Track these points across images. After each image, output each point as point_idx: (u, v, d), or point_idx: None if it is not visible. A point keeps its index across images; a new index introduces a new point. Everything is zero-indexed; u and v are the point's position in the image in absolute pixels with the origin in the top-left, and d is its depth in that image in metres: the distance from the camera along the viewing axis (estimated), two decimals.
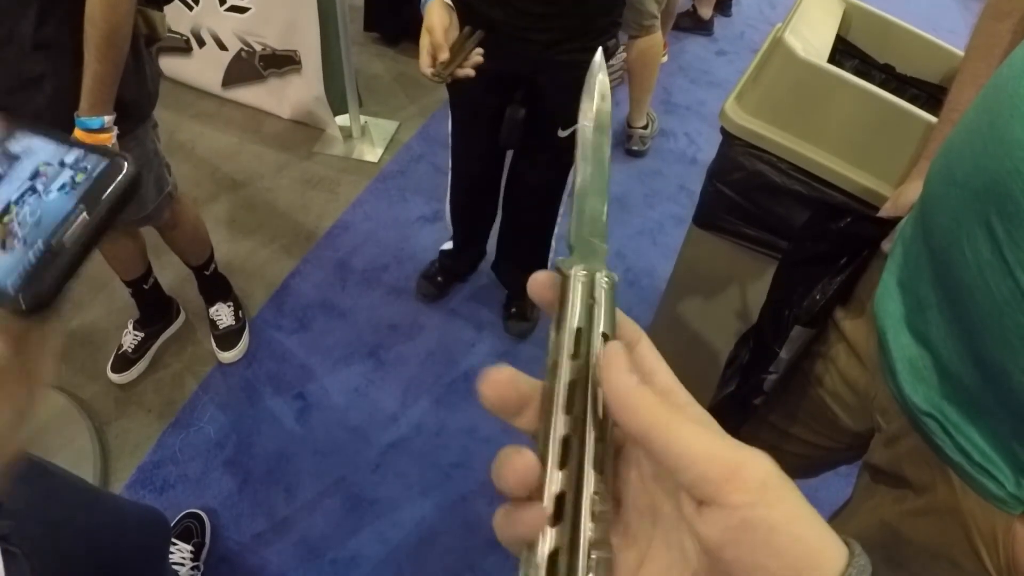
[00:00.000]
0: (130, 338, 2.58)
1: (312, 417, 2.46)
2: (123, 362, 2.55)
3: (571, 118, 2.05)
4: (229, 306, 2.71)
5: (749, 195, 1.80)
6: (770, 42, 1.87)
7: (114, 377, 2.54)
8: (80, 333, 2.66)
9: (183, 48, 3.56)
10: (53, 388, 2.44)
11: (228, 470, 2.32)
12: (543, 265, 2.64)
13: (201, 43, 3.53)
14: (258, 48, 3.41)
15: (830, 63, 1.70)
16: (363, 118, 3.60)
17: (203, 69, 3.63)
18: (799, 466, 1.59)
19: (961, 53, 1.80)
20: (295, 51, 3.33)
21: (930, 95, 1.87)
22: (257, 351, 2.65)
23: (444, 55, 1.67)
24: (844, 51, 1.98)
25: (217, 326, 2.67)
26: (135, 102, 1.84)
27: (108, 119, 1.65)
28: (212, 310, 2.69)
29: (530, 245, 2.60)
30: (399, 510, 2.25)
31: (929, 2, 5.90)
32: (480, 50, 1.72)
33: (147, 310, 2.61)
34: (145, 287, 2.52)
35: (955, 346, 0.91)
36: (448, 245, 2.79)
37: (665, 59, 4.31)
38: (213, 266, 2.65)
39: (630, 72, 3.53)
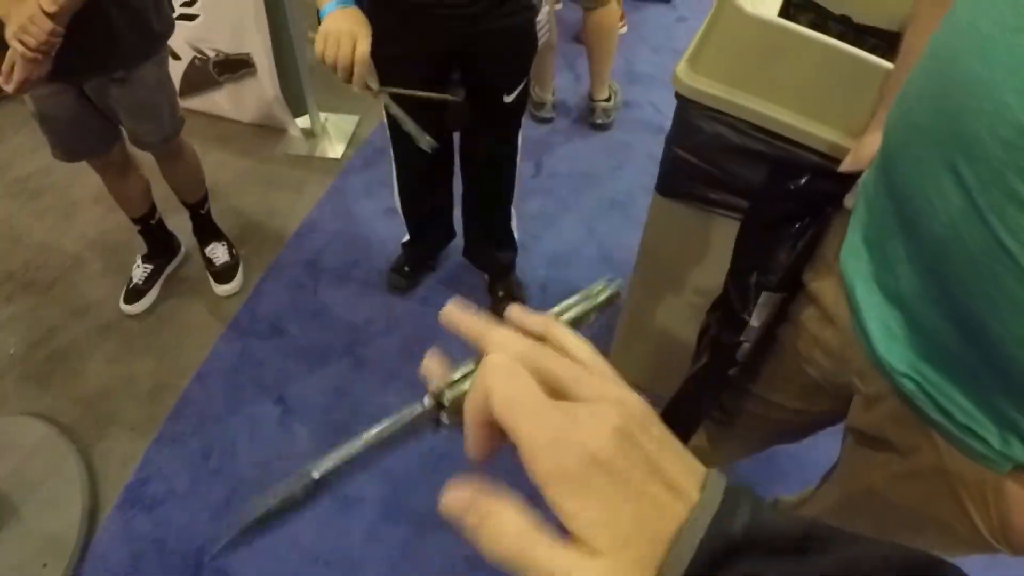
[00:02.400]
0: (140, 271, 2.82)
1: (294, 421, 2.44)
2: (135, 294, 2.79)
3: (512, 82, 2.05)
4: (223, 244, 2.91)
5: (710, 158, 1.77)
6: (718, 1, 1.84)
7: (127, 308, 2.78)
8: (57, 359, 2.64)
9: None
10: (34, 417, 2.43)
11: (216, 480, 2.30)
12: (510, 236, 2.63)
13: None
14: (211, 55, 3.37)
15: (784, 17, 1.68)
16: (323, 115, 3.58)
17: None
18: (785, 431, 1.58)
19: None
20: (248, 54, 3.30)
21: (890, 44, 1.84)
22: (234, 359, 2.62)
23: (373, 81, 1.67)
24: (799, 5, 1.96)
25: (213, 263, 2.87)
26: (162, 33, 2.16)
27: None
28: (208, 249, 2.89)
29: (498, 218, 2.58)
30: (390, 507, 2.24)
31: None
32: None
33: (154, 245, 2.84)
34: (152, 223, 2.76)
35: (929, 302, 0.88)
36: (407, 237, 2.77)
37: (624, 30, 4.28)
38: (207, 206, 2.85)
39: (587, 45, 3.51)
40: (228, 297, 2.84)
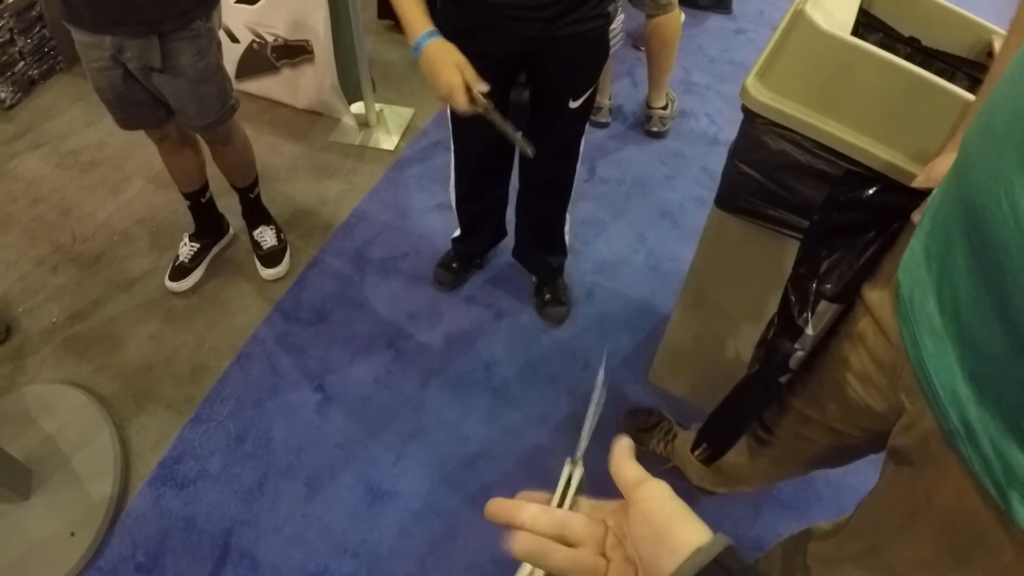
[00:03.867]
0: (186, 249, 2.84)
1: (332, 409, 2.44)
2: (180, 272, 2.82)
3: (580, 88, 2.03)
4: (272, 228, 2.93)
5: (772, 175, 1.75)
6: (791, 15, 1.81)
7: (172, 285, 2.80)
8: (99, 330, 2.66)
9: None
10: (72, 386, 2.44)
11: (249, 464, 2.30)
12: (562, 240, 2.63)
13: None
14: (270, 39, 3.38)
15: (853, 36, 1.65)
16: (378, 106, 3.57)
17: None
18: (823, 455, 1.55)
19: (988, 24, 1.76)
20: (307, 41, 3.30)
21: (956, 68, 1.81)
22: (276, 343, 2.62)
23: (483, 86, 1.74)
24: (867, 24, 1.92)
25: (261, 246, 2.88)
26: (190, 6, 2.07)
27: None
28: (256, 232, 2.91)
29: (552, 222, 2.56)
30: (421, 502, 2.23)
31: None
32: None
33: (202, 223, 2.86)
34: (202, 200, 2.77)
35: (983, 311, 0.87)
36: (457, 232, 2.75)
37: (682, 17, 4.24)
38: (257, 190, 2.85)
39: (648, 52, 3.48)
40: (273, 281, 2.84)
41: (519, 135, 1.81)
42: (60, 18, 2.05)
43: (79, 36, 2.07)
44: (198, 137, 2.54)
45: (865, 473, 1.38)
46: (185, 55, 2.10)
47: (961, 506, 1.01)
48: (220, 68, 2.27)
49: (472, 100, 1.76)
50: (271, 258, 2.85)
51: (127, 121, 2.31)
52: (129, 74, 2.13)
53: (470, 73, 1.73)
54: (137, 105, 2.24)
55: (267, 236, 2.88)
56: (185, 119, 2.30)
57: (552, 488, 0.71)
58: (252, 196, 2.83)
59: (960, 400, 0.92)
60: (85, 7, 1.96)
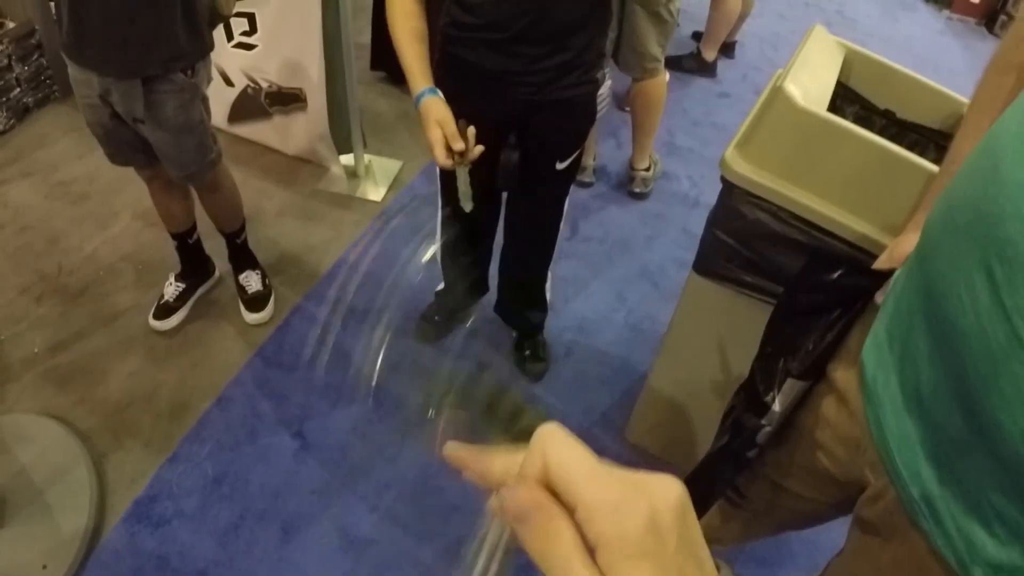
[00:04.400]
0: (172, 289, 2.84)
1: (309, 456, 2.45)
2: (165, 311, 2.82)
3: (566, 150, 2.09)
4: (257, 273, 2.94)
5: (749, 243, 1.80)
6: (770, 90, 1.87)
7: (156, 324, 2.80)
8: (80, 363, 2.66)
9: None
10: (51, 418, 2.45)
11: (225, 507, 2.30)
12: (543, 298, 2.67)
13: None
14: (264, 85, 3.43)
15: (831, 109, 1.71)
16: (367, 157, 3.62)
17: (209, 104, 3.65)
18: (795, 518, 1.58)
19: (961, 98, 1.81)
20: (300, 89, 3.36)
21: (930, 140, 1.87)
22: (257, 387, 2.64)
23: (460, 145, 1.79)
24: (845, 96, 1.99)
25: (246, 291, 2.90)
26: (189, 52, 2.12)
27: None
28: (241, 276, 2.92)
29: (534, 280, 2.61)
30: (396, 551, 2.24)
31: (931, 43, 5.95)
32: (480, 148, 1.83)
33: (188, 264, 2.87)
34: (189, 241, 2.79)
35: (945, 396, 0.90)
36: (441, 286, 2.80)
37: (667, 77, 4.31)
38: (244, 236, 2.87)
39: (632, 114, 3.56)
40: (257, 326, 2.86)
41: (467, 192, 1.91)
42: (60, 48, 2.10)
43: (72, 71, 2.11)
44: None
45: (839, 531, 1.41)
46: (168, 106, 2.14)
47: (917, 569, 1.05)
48: (202, 123, 2.31)
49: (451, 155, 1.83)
50: (255, 303, 2.87)
51: (116, 157, 2.35)
52: (116, 115, 2.17)
53: (450, 129, 1.78)
54: (125, 145, 2.28)
55: (252, 281, 2.89)
56: (168, 167, 2.34)
57: None
58: (239, 241, 2.85)
59: (922, 479, 0.95)
60: (74, 40, 2.02)
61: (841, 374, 1.32)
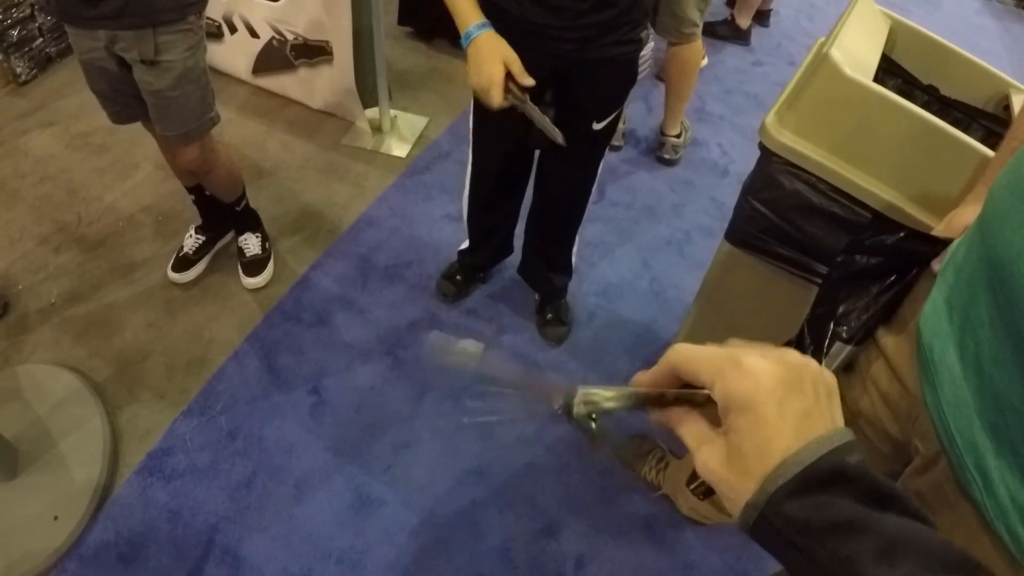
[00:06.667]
0: (191, 241, 2.81)
1: (326, 413, 2.43)
2: (183, 263, 2.79)
3: (606, 111, 2.03)
4: (257, 236, 2.86)
5: (785, 214, 1.75)
6: (813, 56, 1.81)
7: (174, 276, 2.78)
8: (97, 314, 2.65)
9: (214, 34, 3.55)
10: (67, 369, 2.43)
11: (238, 462, 2.29)
12: (569, 261, 2.63)
13: (233, 29, 3.51)
14: (290, 37, 3.38)
15: (874, 82, 1.65)
16: (392, 112, 3.57)
17: (234, 56, 3.62)
18: None
19: (1009, 78, 1.76)
20: (327, 42, 3.30)
21: (972, 119, 1.82)
22: (274, 343, 2.62)
23: (530, 80, 1.75)
24: (887, 70, 1.93)
25: (244, 253, 2.83)
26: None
27: None
28: (241, 239, 2.85)
29: (561, 242, 2.56)
30: (409, 512, 2.22)
31: (967, 23, 5.83)
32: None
33: (208, 217, 2.82)
34: (207, 193, 2.70)
35: (1006, 364, 0.90)
36: (465, 244, 2.76)
37: (705, 62, 4.25)
38: (244, 202, 2.80)
39: (667, 80, 3.49)
40: (255, 290, 2.81)
41: (550, 124, 1.82)
42: (55, 17, 2.01)
43: (72, 29, 2.03)
44: None
45: None
46: (177, 49, 2.06)
47: (973, 551, 1.02)
48: (205, 73, 2.22)
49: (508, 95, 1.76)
50: (253, 266, 2.81)
51: (120, 114, 2.26)
52: (123, 64, 2.09)
53: (517, 67, 1.73)
54: (133, 98, 2.19)
55: (251, 243, 2.83)
56: (166, 126, 2.21)
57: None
58: (239, 208, 2.78)
59: (978, 449, 0.94)
60: (82, 3, 1.92)
61: (892, 341, 1.31)
